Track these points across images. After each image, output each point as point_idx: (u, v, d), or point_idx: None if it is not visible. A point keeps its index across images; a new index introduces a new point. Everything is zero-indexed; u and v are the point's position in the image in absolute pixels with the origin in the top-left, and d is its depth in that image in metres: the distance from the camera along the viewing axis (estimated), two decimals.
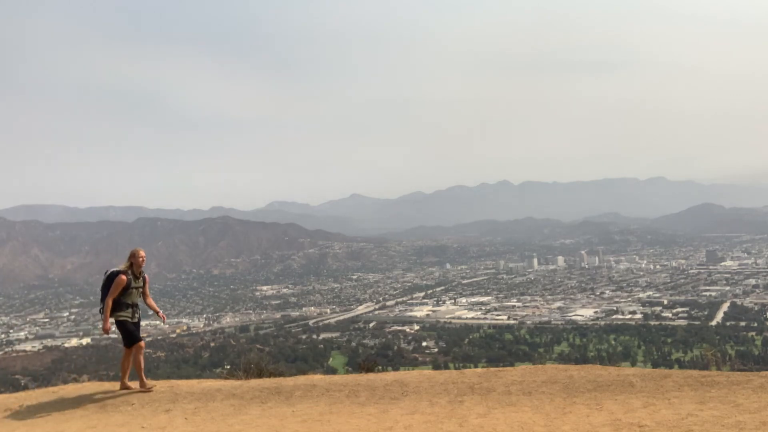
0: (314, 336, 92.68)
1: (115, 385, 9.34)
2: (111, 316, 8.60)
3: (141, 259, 8.85)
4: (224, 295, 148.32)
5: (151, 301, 9.06)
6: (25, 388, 50.82)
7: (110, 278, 8.72)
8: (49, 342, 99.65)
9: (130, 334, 8.63)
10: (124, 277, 8.60)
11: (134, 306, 8.77)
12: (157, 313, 8.99)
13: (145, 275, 9.00)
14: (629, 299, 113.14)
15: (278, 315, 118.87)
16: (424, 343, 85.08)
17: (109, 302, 8.55)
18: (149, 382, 8.90)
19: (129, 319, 8.68)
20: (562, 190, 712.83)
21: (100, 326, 8.94)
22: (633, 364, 62.53)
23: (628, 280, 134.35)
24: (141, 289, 8.85)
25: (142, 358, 8.75)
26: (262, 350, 66.03)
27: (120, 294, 8.58)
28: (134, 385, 8.85)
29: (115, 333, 9.05)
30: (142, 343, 8.81)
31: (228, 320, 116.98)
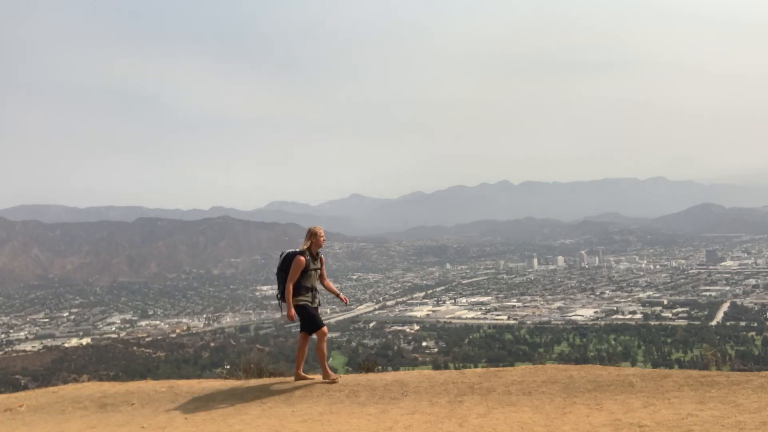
0: (314, 336, 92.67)
1: (115, 385, 9.30)
2: (293, 300, 8.03)
3: (322, 238, 8.26)
4: (224, 295, 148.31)
5: (329, 283, 8.52)
6: (25, 388, 50.81)
7: (287, 260, 8.15)
8: (49, 342, 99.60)
9: (312, 319, 8.05)
10: (302, 258, 8.00)
11: (313, 289, 8.19)
12: (338, 296, 8.40)
13: (322, 256, 8.41)
14: (629, 299, 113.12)
15: (278, 315, 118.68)
16: (424, 343, 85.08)
17: (290, 287, 7.97)
18: (333, 374, 8.24)
19: (309, 304, 8.10)
20: (562, 190, 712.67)
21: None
22: (633, 364, 62.52)
23: (628, 280, 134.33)
24: (319, 271, 8.26)
25: (325, 346, 8.16)
26: (262, 350, 66.04)
27: (299, 277, 8.01)
28: (314, 376, 8.35)
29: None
30: (325, 329, 8.15)
31: (228, 320, 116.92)
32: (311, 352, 8.76)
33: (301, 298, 8.05)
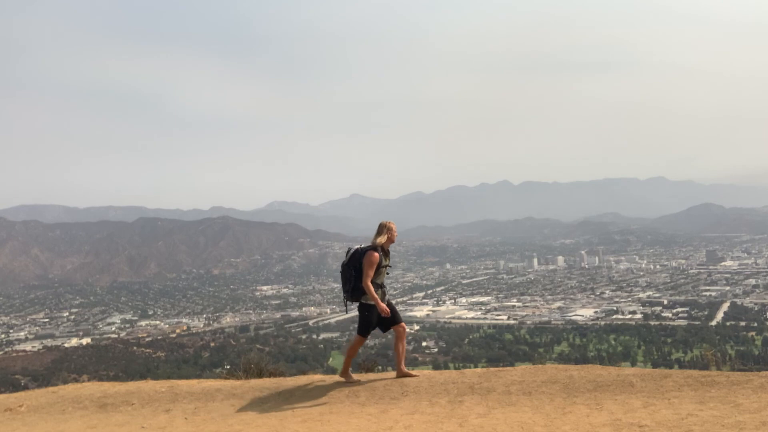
0: (314, 336, 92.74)
1: (115, 385, 9.29)
2: (359, 299, 7.61)
3: (394, 233, 7.80)
4: (224, 295, 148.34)
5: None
6: (25, 388, 50.85)
7: (355, 257, 7.67)
8: (49, 342, 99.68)
9: (368, 325, 7.65)
10: (376, 254, 7.53)
11: (382, 286, 7.70)
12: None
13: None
14: (629, 299, 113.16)
15: (278, 315, 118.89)
16: (424, 343, 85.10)
17: (369, 283, 7.45)
18: (407, 370, 7.81)
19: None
20: (562, 190, 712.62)
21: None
22: (633, 364, 62.52)
23: (628, 280, 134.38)
24: (388, 268, 7.83)
25: (402, 344, 7.72)
26: (262, 350, 66.05)
27: None
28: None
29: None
30: (404, 325, 7.74)
31: (228, 320, 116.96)
32: (364, 353, 8.58)
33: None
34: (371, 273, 7.48)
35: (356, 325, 7.88)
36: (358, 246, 7.79)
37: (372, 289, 7.45)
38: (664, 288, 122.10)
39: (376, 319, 7.63)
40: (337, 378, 8.20)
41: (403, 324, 7.72)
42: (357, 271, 7.56)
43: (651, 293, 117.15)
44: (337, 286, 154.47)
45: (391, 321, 7.65)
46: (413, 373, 7.78)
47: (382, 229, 7.74)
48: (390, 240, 7.71)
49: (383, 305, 7.44)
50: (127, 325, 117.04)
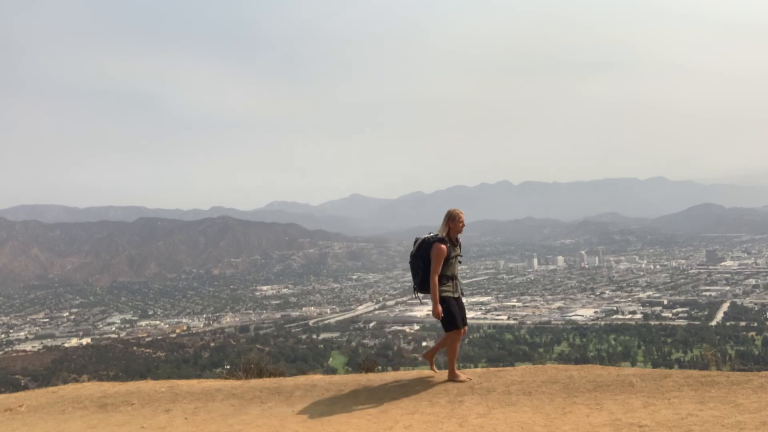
0: (314, 336, 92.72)
1: (115, 385, 9.30)
2: (430, 291, 7.28)
3: (461, 223, 7.43)
4: (224, 295, 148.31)
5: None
6: (25, 388, 50.84)
7: (422, 248, 7.37)
8: (49, 342, 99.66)
9: (451, 317, 7.31)
10: (443, 246, 7.22)
11: (454, 278, 7.36)
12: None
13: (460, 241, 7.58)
14: (629, 299, 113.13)
15: (278, 315, 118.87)
16: (424, 343, 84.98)
17: (435, 279, 7.15)
18: (461, 374, 7.49)
19: (451, 295, 7.33)
20: (562, 190, 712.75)
21: (419, 303, 7.42)
22: (633, 364, 62.52)
23: (628, 280, 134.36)
24: (459, 258, 7.48)
25: (458, 345, 7.50)
26: (262, 350, 66.06)
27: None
28: (465, 376, 7.59)
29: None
30: (465, 330, 7.45)
31: (228, 320, 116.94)
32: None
33: (443, 288, 7.28)
34: (439, 267, 7.18)
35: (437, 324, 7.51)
36: (426, 235, 7.49)
37: (436, 286, 7.15)
38: (664, 288, 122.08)
39: (458, 308, 7.32)
40: (339, 377, 8.19)
41: (462, 330, 7.42)
42: (425, 263, 7.28)
43: (651, 293, 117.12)
44: (337, 285, 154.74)
45: (452, 324, 7.32)
46: (462, 377, 7.44)
47: (448, 218, 7.44)
48: (455, 230, 7.39)
49: (438, 308, 7.15)
50: (127, 325, 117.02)
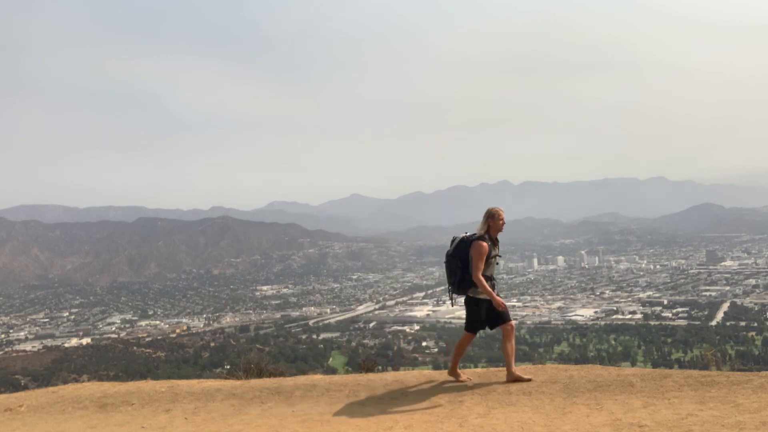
0: (314, 336, 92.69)
1: (115, 385, 9.29)
2: (467, 291, 7.08)
3: (501, 221, 7.22)
4: (224, 295, 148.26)
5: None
6: (25, 388, 50.83)
7: (460, 246, 7.15)
8: (49, 342, 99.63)
9: (475, 321, 7.17)
10: (485, 244, 6.99)
11: (492, 279, 7.14)
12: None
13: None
14: (629, 299, 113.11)
15: (278, 315, 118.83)
16: (424, 343, 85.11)
17: (480, 276, 6.92)
18: (519, 373, 7.22)
19: (486, 297, 7.08)
20: (562, 190, 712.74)
21: (452, 305, 7.41)
22: (633, 364, 62.52)
23: (628, 280, 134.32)
24: (498, 259, 7.25)
25: (512, 343, 7.21)
26: (262, 350, 66.02)
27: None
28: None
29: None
30: (513, 323, 7.17)
31: (228, 320, 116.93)
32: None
33: (479, 290, 7.04)
34: (481, 265, 6.96)
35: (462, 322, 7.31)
36: (464, 234, 7.27)
37: (484, 282, 6.95)
38: (664, 288, 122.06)
39: (486, 315, 7.12)
40: (339, 377, 8.19)
41: (512, 322, 7.15)
42: (463, 262, 7.05)
43: (651, 293, 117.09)
44: (337, 285, 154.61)
45: (499, 318, 7.11)
46: (526, 376, 7.15)
47: (487, 216, 7.23)
48: (496, 228, 7.18)
49: (499, 299, 6.94)
50: (127, 325, 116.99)
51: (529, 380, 7.05)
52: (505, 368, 7.30)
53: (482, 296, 7.04)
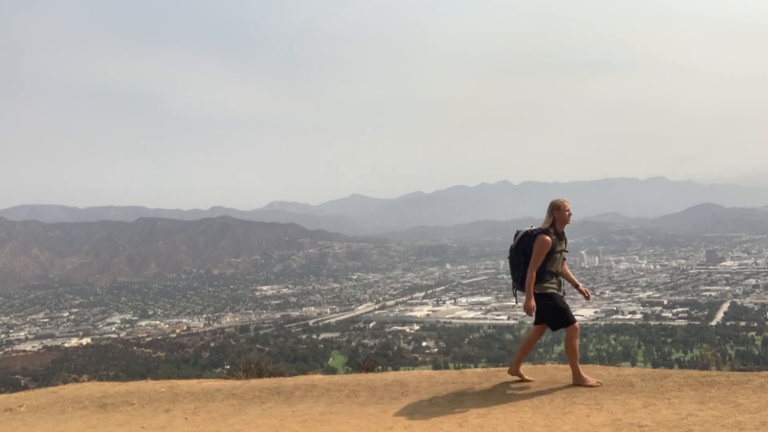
0: (314, 336, 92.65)
1: (115, 385, 9.29)
2: (535, 288, 6.74)
3: (568, 213, 6.91)
4: (224, 295, 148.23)
5: (567, 270, 7.00)
6: (25, 388, 50.83)
7: (524, 240, 6.85)
8: (49, 342, 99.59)
9: (561, 312, 6.70)
10: (548, 238, 6.69)
11: (558, 275, 6.81)
12: (577, 287, 6.98)
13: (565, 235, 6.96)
14: (629, 299, 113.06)
15: (278, 315, 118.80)
16: (424, 343, 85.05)
17: (533, 273, 6.65)
18: (590, 378, 6.76)
19: (556, 292, 6.77)
20: (562, 190, 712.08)
21: (516, 304, 7.04)
22: (633, 364, 62.50)
23: (628, 280, 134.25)
24: (564, 254, 6.93)
25: (577, 342, 6.78)
26: (262, 350, 66.05)
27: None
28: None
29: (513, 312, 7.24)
30: (577, 325, 6.78)
31: (228, 320, 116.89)
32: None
33: (546, 285, 6.74)
34: (540, 260, 6.65)
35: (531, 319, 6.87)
36: (528, 228, 6.97)
37: (532, 280, 6.63)
38: (664, 288, 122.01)
39: (562, 305, 6.74)
40: (339, 377, 8.18)
41: (576, 325, 6.73)
42: (526, 257, 6.76)
43: (651, 293, 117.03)
44: (337, 285, 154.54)
45: (566, 319, 6.72)
46: (591, 381, 6.68)
47: (552, 208, 6.90)
48: (562, 221, 6.86)
49: (531, 304, 6.62)
50: (127, 325, 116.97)
51: (597, 386, 6.61)
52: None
53: (551, 289, 6.75)
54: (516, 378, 7.10)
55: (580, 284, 7.03)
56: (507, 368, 7.31)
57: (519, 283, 6.87)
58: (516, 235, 7.01)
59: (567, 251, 6.99)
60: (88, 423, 7.30)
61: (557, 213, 6.87)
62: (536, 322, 6.95)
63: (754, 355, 67.37)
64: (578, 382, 6.71)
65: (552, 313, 6.76)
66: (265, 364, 10.78)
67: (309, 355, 76.22)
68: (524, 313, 6.79)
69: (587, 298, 7.06)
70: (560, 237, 6.88)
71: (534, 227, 6.93)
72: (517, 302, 7.06)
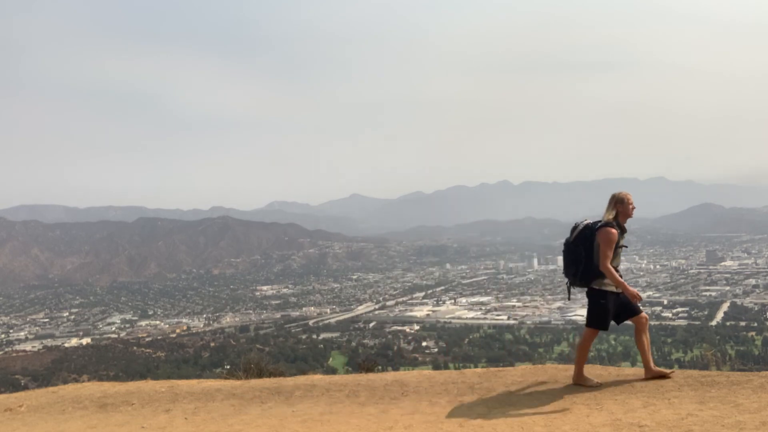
0: (314, 336, 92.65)
1: (115, 385, 9.29)
2: (592, 282, 6.45)
3: (631, 206, 6.65)
4: (224, 295, 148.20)
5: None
6: (25, 388, 50.83)
7: (583, 233, 6.61)
8: (49, 342, 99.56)
9: (605, 315, 6.52)
10: (614, 231, 6.39)
11: (617, 270, 6.55)
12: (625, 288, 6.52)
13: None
14: None
15: (278, 315, 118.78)
16: (424, 343, 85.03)
17: (609, 265, 6.32)
18: (656, 368, 6.68)
19: (613, 289, 6.50)
20: (562, 190, 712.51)
21: (567, 299, 7.05)
22: (633, 364, 62.43)
23: (628, 280, 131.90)
24: (624, 249, 6.67)
25: (645, 336, 6.70)
26: (262, 350, 66.04)
27: None
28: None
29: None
30: (645, 315, 6.66)
31: (228, 320, 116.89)
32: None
33: (606, 281, 6.44)
34: (610, 253, 6.33)
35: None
36: (587, 221, 6.73)
37: (614, 272, 6.34)
38: (664, 288, 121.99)
39: (614, 308, 6.52)
40: (339, 377, 8.18)
41: (644, 314, 6.65)
42: (587, 251, 6.47)
43: (651, 293, 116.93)
44: (337, 285, 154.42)
45: (629, 311, 6.57)
46: (666, 371, 6.64)
47: (614, 201, 6.65)
48: (624, 214, 6.59)
49: (633, 290, 6.39)
50: (127, 325, 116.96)
51: (670, 376, 6.52)
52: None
53: (609, 288, 6.47)
54: (652, 377, 6.67)
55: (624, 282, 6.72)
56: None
57: (578, 278, 6.57)
58: (574, 228, 6.76)
59: (626, 246, 6.77)
60: (88, 423, 7.30)
61: (620, 206, 6.62)
62: (587, 325, 6.77)
63: (754, 355, 67.37)
64: (579, 381, 6.68)
65: (597, 311, 6.56)
66: (265, 364, 10.79)
67: (309, 355, 76.19)
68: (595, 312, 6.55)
69: (638, 299, 6.61)
70: (622, 231, 6.60)
71: (592, 221, 6.70)
72: (569, 298, 6.89)
